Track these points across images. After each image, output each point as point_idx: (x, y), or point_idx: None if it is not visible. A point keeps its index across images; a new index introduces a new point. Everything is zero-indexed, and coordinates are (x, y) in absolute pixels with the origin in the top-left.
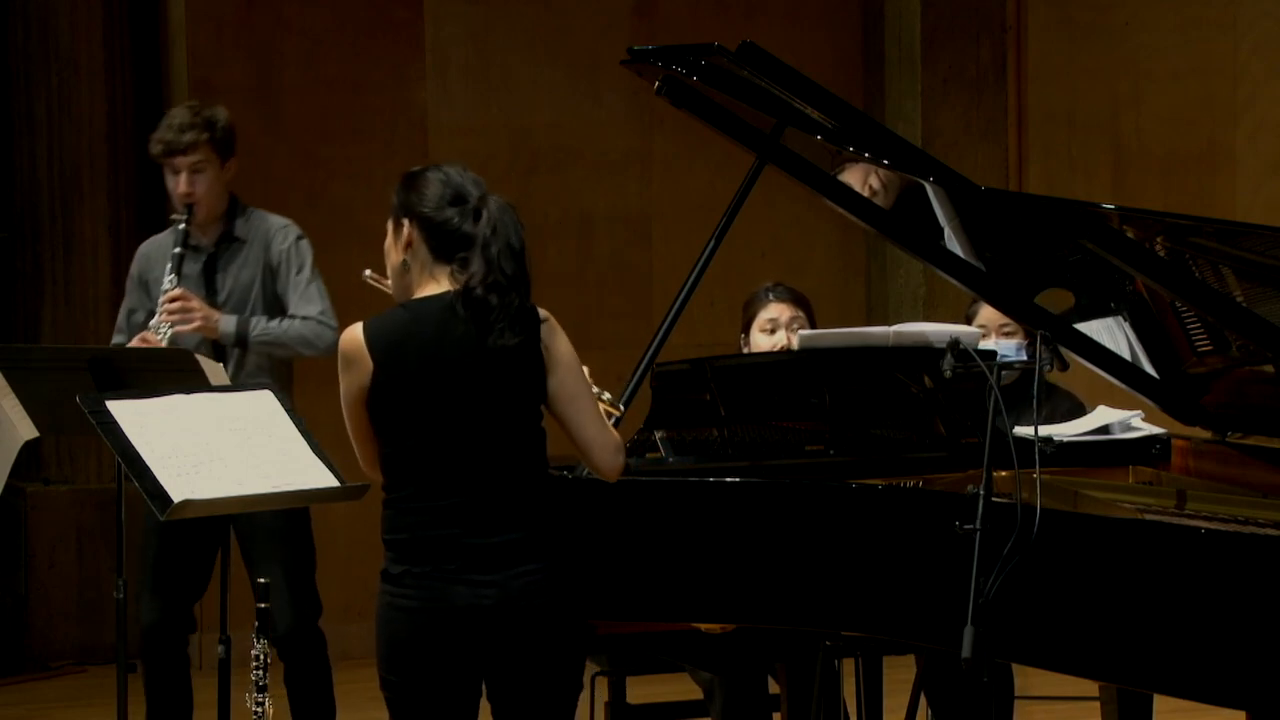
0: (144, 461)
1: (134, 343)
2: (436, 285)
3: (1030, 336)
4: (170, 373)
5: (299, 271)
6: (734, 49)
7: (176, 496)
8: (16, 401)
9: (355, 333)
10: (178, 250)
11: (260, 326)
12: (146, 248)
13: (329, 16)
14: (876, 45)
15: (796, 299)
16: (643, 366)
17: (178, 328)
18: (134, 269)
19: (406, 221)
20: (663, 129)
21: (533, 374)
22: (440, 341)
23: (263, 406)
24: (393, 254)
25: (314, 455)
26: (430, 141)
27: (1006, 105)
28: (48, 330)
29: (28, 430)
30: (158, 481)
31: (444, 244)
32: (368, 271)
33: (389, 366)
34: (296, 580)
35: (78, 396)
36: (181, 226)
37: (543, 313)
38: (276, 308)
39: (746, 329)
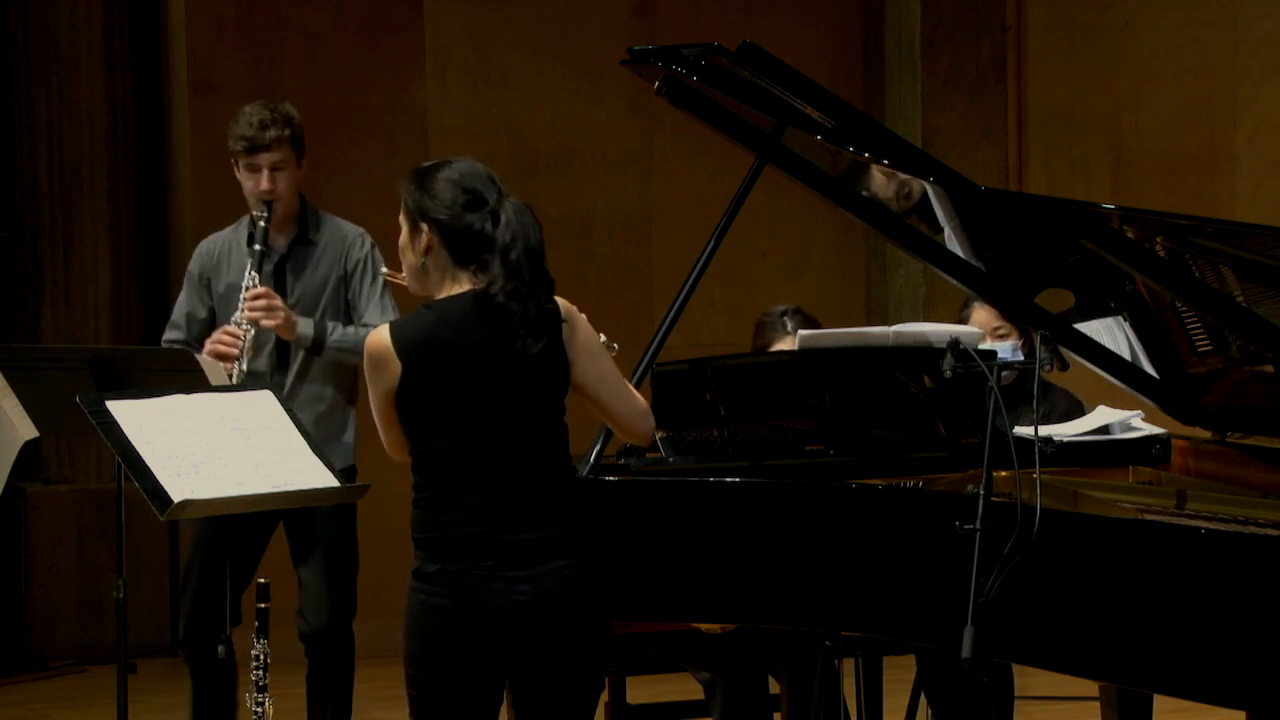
0: (144, 461)
1: (213, 340)
2: (458, 286)
3: (1024, 338)
4: (170, 373)
5: (374, 281)
6: (734, 49)
7: (176, 496)
8: (16, 401)
9: (382, 335)
10: (259, 248)
11: (338, 332)
12: (208, 245)
13: (329, 16)
14: (876, 45)
15: None
16: (643, 366)
17: (263, 323)
18: (194, 267)
19: (425, 226)
20: (663, 129)
21: (556, 374)
22: (466, 343)
23: (263, 406)
24: (409, 254)
25: (314, 455)
26: (430, 141)
27: (1006, 105)
28: (48, 330)
29: (28, 430)
30: (158, 481)
31: (464, 250)
32: (384, 269)
33: (417, 368)
34: (335, 581)
35: (78, 396)
36: (262, 225)
37: (563, 309)
38: (344, 313)
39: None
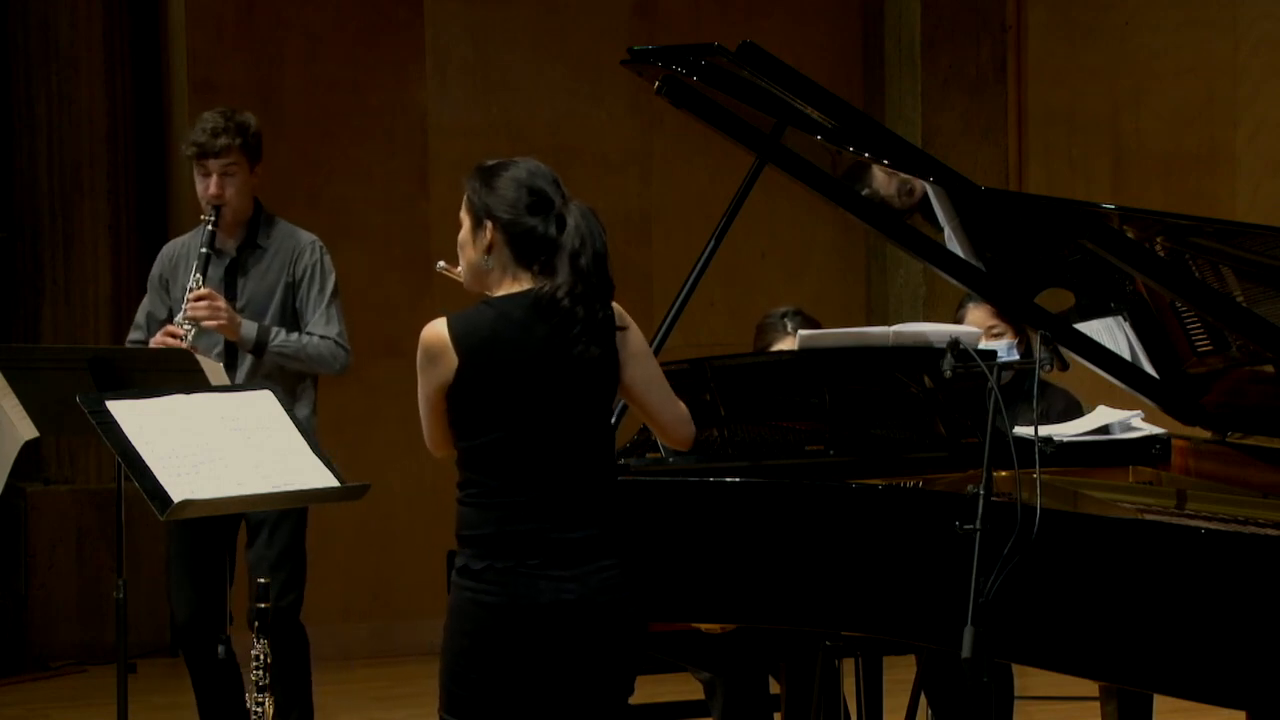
0: (144, 461)
1: (156, 339)
2: (518, 285)
3: (1019, 336)
4: (170, 373)
5: (321, 290)
6: (734, 49)
7: (176, 496)
8: (16, 401)
9: (439, 328)
10: (204, 251)
11: (280, 337)
12: (169, 249)
13: (329, 16)
14: (876, 45)
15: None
16: None
17: (205, 323)
18: (155, 269)
19: (489, 224)
20: (663, 129)
21: (608, 377)
22: (525, 341)
23: (263, 406)
24: (470, 250)
25: (314, 455)
26: (430, 141)
27: (1006, 105)
28: (48, 330)
29: (28, 430)
30: (158, 481)
31: (527, 250)
32: (441, 263)
33: (474, 363)
34: (281, 562)
35: (78, 396)
36: (209, 228)
37: (618, 317)
38: (292, 319)
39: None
